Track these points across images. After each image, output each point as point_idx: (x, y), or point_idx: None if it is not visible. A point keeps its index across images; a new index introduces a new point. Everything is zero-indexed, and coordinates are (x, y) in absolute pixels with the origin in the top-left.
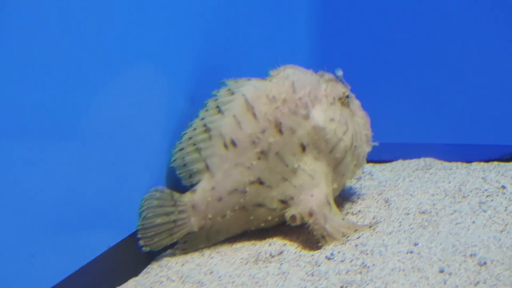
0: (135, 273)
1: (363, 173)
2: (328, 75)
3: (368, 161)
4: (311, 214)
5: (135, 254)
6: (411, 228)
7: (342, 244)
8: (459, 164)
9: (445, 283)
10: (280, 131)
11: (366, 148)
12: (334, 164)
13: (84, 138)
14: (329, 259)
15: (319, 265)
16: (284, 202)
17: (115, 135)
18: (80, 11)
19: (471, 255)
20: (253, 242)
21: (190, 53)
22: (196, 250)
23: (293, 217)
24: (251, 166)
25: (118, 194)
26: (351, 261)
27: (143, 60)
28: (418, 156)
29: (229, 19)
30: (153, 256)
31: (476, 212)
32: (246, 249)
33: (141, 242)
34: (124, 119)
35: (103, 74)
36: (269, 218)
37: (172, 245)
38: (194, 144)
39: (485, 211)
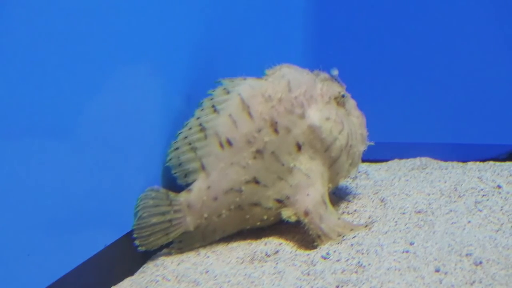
0: (131, 272)
1: (359, 172)
2: (324, 74)
3: (364, 161)
4: (306, 214)
5: (131, 253)
6: (407, 228)
7: (338, 243)
8: (455, 163)
9: (440, 283)
10: (276, 131)
11: (361, 148)
12: (329, 163)
13: (79, 138)
14: (325, 258)
15: (314, 265)
16: (280, 202)
17: (110, 135)
18: (76, 10)
19: (467, 255)
20: (249, 241)
21: (185, 52)
22: (192, 249)
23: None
24: (246, 165)
25: (114, 193)
26: (347, 260)
27: (138, 59)
28: (414, 155)
29: (225, 18)
30: (149, 255)
31: (472, 211)
32: (241, 248)
33: (137, 242)
34: (119, 118)
35: (98, 73)
36: (265, 217)
37: (168, 245)
38: (190, 144)
39: (481, 211)
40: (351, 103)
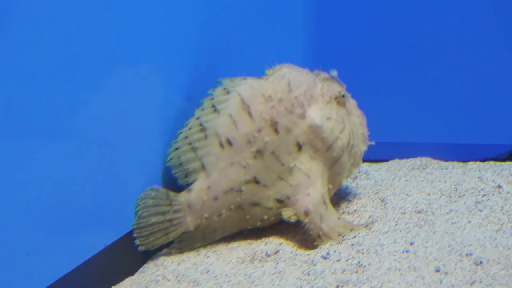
0: (131, 272)
1: (359, 172)
2: (324, 74)
3: (364, 160)
4: (307, 214)
5: (131, 253)
6: (407, 228)
7: (338, 243)
8: (455, 163)
9: (441, 283)
10: (276, 130)
11: (363, 147)
12: (330, 163)
13: (79, 137)
14: (325, 258)
15: (315, 265)
16: (280, 201)
17: (111, 134)
18: (76, 10)
19: (467, 255)
20: (249, 241)
21: (186, 52)
22: (192, 249)
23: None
24: (247, 165)
25: (114, 193)
26: (347, 260)
27: (139, 59)
28: (414, 155)
29: (225, 18)
30: (149, 255)
31: (472, 211)
32: (242, 248)
33: (137, 242)
34: (119, 118)
35: (99, 73)
36: (265, 217)
37: (168, 244)
38: (190, 144)
39: (481, 211)
40: (352, 102)
